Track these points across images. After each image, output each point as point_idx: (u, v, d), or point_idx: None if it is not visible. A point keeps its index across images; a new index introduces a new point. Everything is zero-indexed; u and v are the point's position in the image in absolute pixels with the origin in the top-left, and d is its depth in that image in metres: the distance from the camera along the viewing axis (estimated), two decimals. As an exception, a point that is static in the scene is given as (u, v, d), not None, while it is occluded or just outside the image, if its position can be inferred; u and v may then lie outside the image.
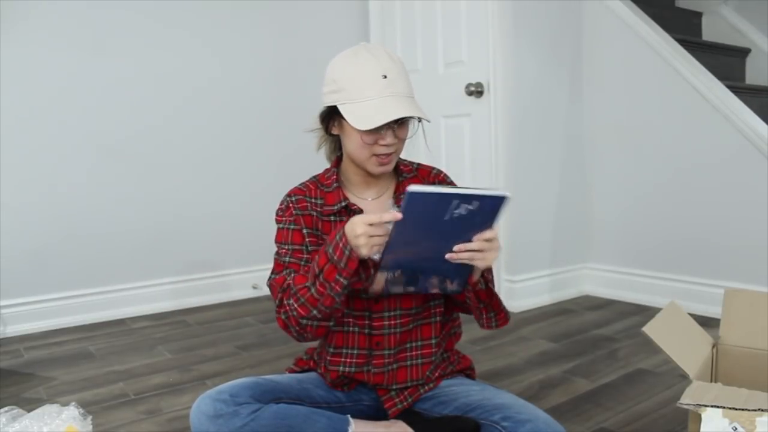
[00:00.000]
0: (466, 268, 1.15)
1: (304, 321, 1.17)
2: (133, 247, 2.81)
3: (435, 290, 1.20)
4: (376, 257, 1.12)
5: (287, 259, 1.24)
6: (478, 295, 1.21)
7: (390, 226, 1.08)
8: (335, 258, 1.11)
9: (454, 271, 1.15)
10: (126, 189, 2.79)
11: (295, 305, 1.17)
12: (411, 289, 1.19)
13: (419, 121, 1.24)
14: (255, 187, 3.07)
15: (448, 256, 1.10)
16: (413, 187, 1.01)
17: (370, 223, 1.07)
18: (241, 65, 3.07)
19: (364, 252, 1.08)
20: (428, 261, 1.13)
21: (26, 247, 2.57)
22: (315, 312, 1.15)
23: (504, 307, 1.27)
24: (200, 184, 2.98)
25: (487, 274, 1.21)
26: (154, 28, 2.82)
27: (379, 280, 1.15)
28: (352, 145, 1.22)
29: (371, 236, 1.07)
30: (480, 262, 1.11)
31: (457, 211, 1.04)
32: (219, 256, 3.04)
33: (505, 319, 1.27)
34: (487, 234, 1.09)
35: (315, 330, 1.20)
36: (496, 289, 1.25)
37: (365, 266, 1.17)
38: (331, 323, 1.22)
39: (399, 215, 1.07)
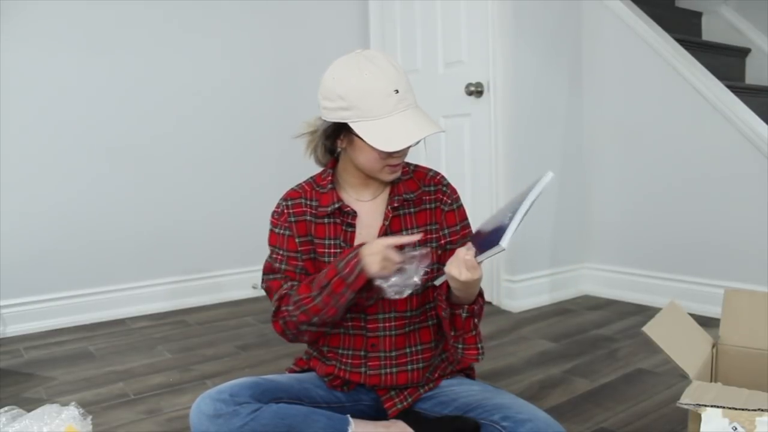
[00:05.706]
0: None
1: (304, 327, 1.24)
2: (133, 247, 2.81)
3: (426, 268, 1.16)
4: (383, 284, 1.15)
5: (283, 266, 1.29)
6: (446, 318, 1.19)
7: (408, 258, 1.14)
8: (345, 272, 1.16)
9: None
10: (126, 189, 2.79)
11: (296, 312, 1.22)
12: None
13: None
14: (254, 187, 3.07)
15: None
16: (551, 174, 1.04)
17: (390, 245, 1.13)
18: (240, 66, 3.06)
19: (374, 269, 1.13)
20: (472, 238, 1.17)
21: (26, 247, 2.57)
22: (316, 319, 1.21)
23: (479, 346, 1.22)
24: (200, 185, 2.98)
25: (471, 305, 1.19)
26: (154, 31, 2.82)
27: None
28: (366, 159, 1.22)
29: (386, 257, 1.12)
30: (449, 266, 1.10)
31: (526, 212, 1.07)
32: (218, 256, 3.04)
33: (473, 358, 1.22)
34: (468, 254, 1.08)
35: (312, 335, 1.28)
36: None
37: (369, 286, 1.18)
38: (327, 329, 1.27)
39: (416, 237, 1.17)
